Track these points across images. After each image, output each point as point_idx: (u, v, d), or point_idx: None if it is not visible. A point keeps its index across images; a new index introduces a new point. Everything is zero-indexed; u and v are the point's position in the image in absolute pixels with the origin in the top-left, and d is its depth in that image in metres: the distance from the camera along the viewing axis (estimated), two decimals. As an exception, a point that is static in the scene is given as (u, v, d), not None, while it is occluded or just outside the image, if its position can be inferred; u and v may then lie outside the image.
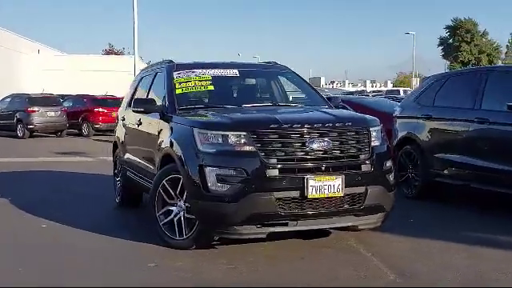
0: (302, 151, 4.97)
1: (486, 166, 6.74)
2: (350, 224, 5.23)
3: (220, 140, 5.02)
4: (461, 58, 64.02)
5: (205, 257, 5.10)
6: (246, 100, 6.25)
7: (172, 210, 5.45)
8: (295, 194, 4.90)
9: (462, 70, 8.56)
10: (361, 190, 5.08)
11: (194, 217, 5.22)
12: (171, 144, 5.49)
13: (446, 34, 67.46)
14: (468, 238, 5.69)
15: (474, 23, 66.07)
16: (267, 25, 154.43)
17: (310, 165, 4.95)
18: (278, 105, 6.30)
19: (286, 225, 5.02)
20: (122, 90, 12.40)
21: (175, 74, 6.36)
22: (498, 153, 6.66)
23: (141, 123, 6.64)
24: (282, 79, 6.88)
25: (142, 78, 7.65)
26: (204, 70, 6.47)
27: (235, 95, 6.53)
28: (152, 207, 5.59)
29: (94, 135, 23.46)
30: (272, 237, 5.16)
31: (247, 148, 4.93)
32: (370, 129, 5.30)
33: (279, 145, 4.96)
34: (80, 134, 24.11)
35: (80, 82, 38.44)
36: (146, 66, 8.13)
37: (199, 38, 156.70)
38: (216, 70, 6.51)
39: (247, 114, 5.63)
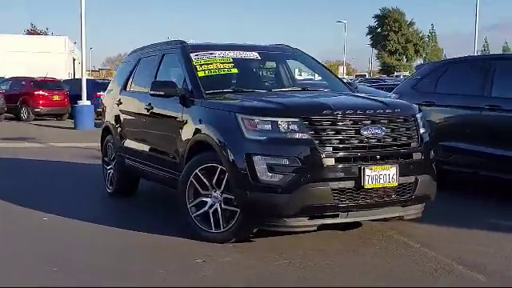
0: (356, 139, 4.71)
1: (497, 154, 6.71)
2: (397, 215, 5.03)
3: (269, 127, 4.68)
4: (388, 47, 65.66)
5: (252, 251, 4.78)
6: (274, 84, 5.93)
7: (206, 202, 5.07)
8: (350, 184, 4.64)
9: (467, 58, 8.51)
10: (411, 179, 4.89)
11: (233, 208, 4.86)
12: (205, 131, 5.09)
13: (375, 24, 68.89)
14: (496, 225, 5.65)
15: (402, 13, 67.85)
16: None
17: (365, 153, 4.70)
18: (308, 89, 5.99)
19: (336, 216, 4.76)
20: (57, 72, 11.68)
21: (193, 56, 5.93)
22: (510, 140, 6.63)
23: (152, 108, 6.17)
24: (298, 62, 6.58)
25: (140, 59, 7.15)
26: (223, 52, 6.08)
27: (261, 79, 6.17)
28: (181, 198, 5.19)
29: (34, 120, 22.30)
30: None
31: (301, 135, 4.62)
32: (416, 115, 5.11)
33: (333, 132, 4.68)
34: (18, 119, 22.85)
35: (7, 63, 36.55)
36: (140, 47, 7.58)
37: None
38: (235, 52, 6.14)
39: (294, 99, 5.30)
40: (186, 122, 5.46)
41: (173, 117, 5.72)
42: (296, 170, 4.55)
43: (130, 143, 6.82)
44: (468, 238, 5.21)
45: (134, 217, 6.19)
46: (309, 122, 4.65)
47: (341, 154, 4.63)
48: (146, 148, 6.35)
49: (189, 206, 5.15)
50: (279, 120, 4.66)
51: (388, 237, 5.22)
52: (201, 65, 5.83)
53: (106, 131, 7.63)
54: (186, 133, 5.41)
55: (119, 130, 7.13)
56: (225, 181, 4.93)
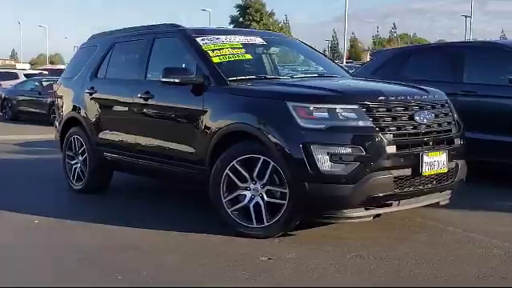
0: (410, 125, 4.53)
1: (475, 138, 6.81)
2: (436, 200, 4.92)
3: (326, 115, 4.35)
4: (252, 36, 66.44)
5: (312, 245, 4.45)
6: (292, 70, 5.56)
7: (244, 195, 4.64)
8: (408, 171, 4.46)
9: (432, 45, 8.65)
10: (453, 164, 4.81)
11: (278, 201, 4.50)
12: (243, 120, 4.64)
13: (237, 13, 69.38)
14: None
15: (263, 3, 69.00)
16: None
17: (420, 140, 4.54)
18: (325, 76, 5.70)
19: (390, 205, 4.56)
20: None
21: (200, 41, 5.41)
22: (486, 124, 6.82)
23: (152, 97, 5.55)
24: (297, 48, 6.27)
25: (116, 43, 6.43)
26: (229, 37, 5.63)
27: (278, 65, 5.77)
28: (215, 194, 4.73)
29: None
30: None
31: (362, 123, 4.35)
32: (448, 101, 5.04)
33: (390, 119, 4.46)
34: None
35: None
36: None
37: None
38: (241, 38, 5.72)
39: (346, 85, 4.99)
40: (209, 112, 4.95)
41: (187, 107, 5.18)
42: (359, 158, 4.28)
43: (113, 135, 6.12)
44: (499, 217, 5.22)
45: (144, 215, 5.53)
46: (366, 109, 4.38)
47: (400, 140, 4.42)
48: (142, 141, 5.71)
49: (224, 201, 4.71)
50: (337, 107, 4.36)
51: (423, 224, 5.10)
52: (212, 50, 5.34)
53: (70, 123, 6.80)
54: (211, 123, 4.91)
55: (94, 120, 6.38)
56: (268, 172, 4.52)
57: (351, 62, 38.35)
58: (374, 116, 4.38)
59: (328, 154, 4.26)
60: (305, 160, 4.28)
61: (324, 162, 4.26)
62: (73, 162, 6.73)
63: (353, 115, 4.35)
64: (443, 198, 4.94)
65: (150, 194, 6.57)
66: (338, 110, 4.35)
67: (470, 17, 55.22)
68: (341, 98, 4.44)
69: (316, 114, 4.35)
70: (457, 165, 4.82)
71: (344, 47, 47.10)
